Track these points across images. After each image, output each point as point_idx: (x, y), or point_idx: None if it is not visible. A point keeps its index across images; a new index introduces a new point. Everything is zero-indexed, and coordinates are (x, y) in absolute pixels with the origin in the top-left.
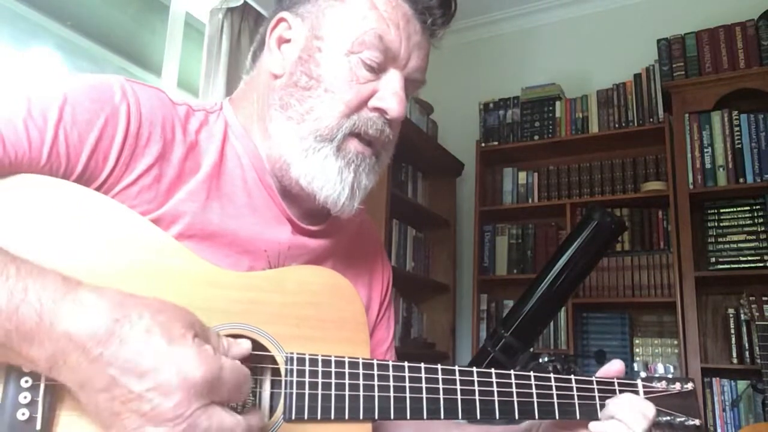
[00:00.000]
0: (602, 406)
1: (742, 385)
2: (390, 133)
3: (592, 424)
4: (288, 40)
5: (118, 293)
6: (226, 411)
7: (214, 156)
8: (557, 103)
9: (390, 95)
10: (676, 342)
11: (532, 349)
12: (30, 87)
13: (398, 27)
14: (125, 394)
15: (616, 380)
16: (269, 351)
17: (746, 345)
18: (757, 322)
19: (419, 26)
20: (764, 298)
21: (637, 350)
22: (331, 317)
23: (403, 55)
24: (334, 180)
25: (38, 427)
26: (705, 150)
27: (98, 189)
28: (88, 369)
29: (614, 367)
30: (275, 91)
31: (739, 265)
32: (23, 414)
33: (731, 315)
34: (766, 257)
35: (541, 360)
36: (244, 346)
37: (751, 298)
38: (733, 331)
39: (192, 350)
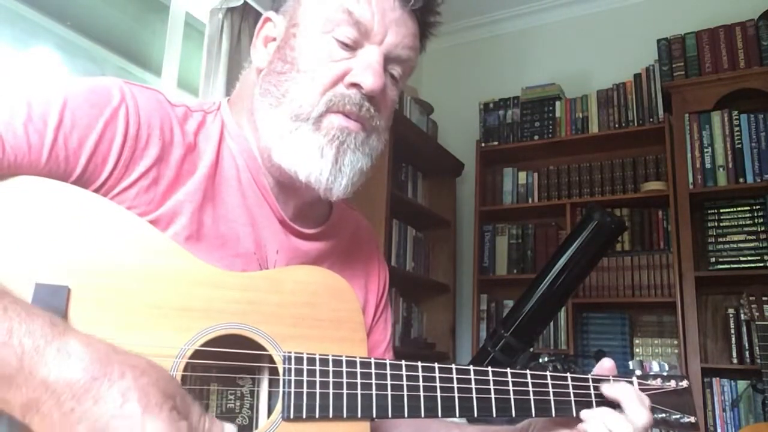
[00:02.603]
0: (598, 404)
1: (742, 385)
2: (371, 109)
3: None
4: (273, 38)
5: (106, 346)
6: None
7: (211, 157)
8: (557, 103)
9: (363, 69)
10: (676, 342)
11: (532, 349)
12: (30, 90)
13: (369, 1)
14: None
15: (611, 378)
16: (267, 350)
17: (746, 345)
18: (757, 322)
19: (395, 2)
20: (764, 298)
21: (637, 350)
22: (329, 317)
23: (378, 29)
24: (314, 157)
25: None
26: (705, 150)
27: (97, 191)
28: (57, 421)
29: (606, 365)
30: (258, 82)
31: (739, 265)
32: None
33: (731, 315)
34: (766, 257)
35: (541, 360)
36: (227, 431)
37: (751, 298)
38: (733, 331)
39: (163, 423)
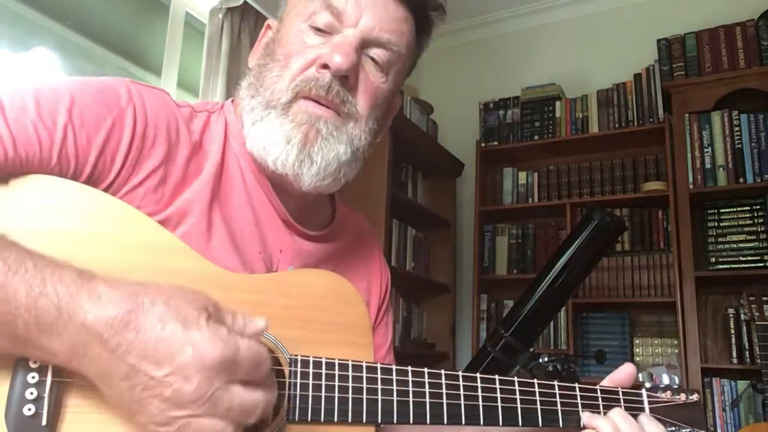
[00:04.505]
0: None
1: (742, 385)
2: (341, 91)
3: (586, 416)
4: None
5: (131, 284)
6: (247, 389)
7: (216, 157)
8: (557, 103)
9: (334, 49)
10: (676, 342)
11: (532, 349)
12: (37, 88)
13: None
14: (146, 381)
15: (620, 389)
16: (273, 353)
17: (746, 345)
18: (757, 322)
19: None
20: (764, 298)
21: (637, 350)
22: (336, 321)
23: (351, 11)
24: (280, 142)
25: (44, 422)
26: (705, 150)
27: (106, 190)
28: (107, 360)
29: (624, 372)
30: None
31: (739, 265)
32: (29, 410)
33: (731, 315)
34: (766, 257)
35: (541, 360)
36: (259, 324)
37: (751, 298)
38: (733, 331)
39: (206, 332)
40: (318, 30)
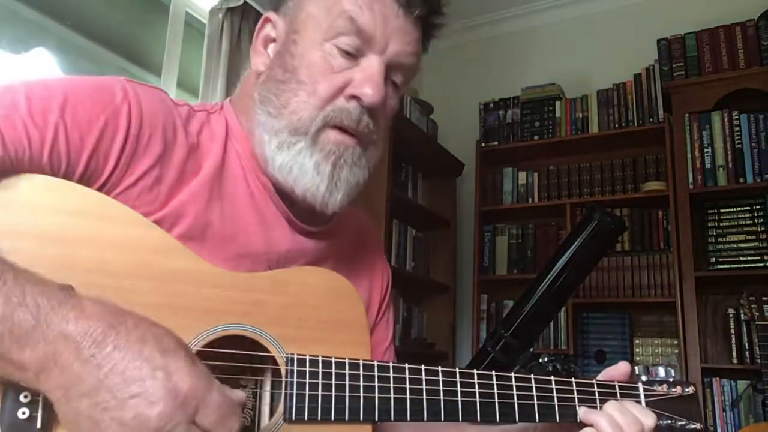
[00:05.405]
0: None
1: (742, 385)
2: (369, 123)
3: (583, 411)
4: (273, 39)
5: (115, 305)
6: None
7: (217, 156)
8: (557, 103)
9: (364, 81)
10: (676, 342)
11: (532, 349)
12: (30, 85)
13: (372, 9)
14: (108, 400)
15: (617, 383)
16: (270, 352)
17: (746, 345)
18: (757, 322)
19: (399, 10)
20: (764, 298)
21: (637, 350)
22: (333, 319)
23: (380, 37)
24: (310, 173)
25: (38, 425)
26: (705, 150)
27: (99, 189)
28: (77, 369)
29: (620, 370)
30: (257, 88)
31: (739, 265)
32: (23, 413)
33: (731, 315)
34: (766, 257)
35: (541, 360)
36: (238, 394)
37: (751, 298)
38: (733, 331)
39: (182, 363)
40: (345, 53)
